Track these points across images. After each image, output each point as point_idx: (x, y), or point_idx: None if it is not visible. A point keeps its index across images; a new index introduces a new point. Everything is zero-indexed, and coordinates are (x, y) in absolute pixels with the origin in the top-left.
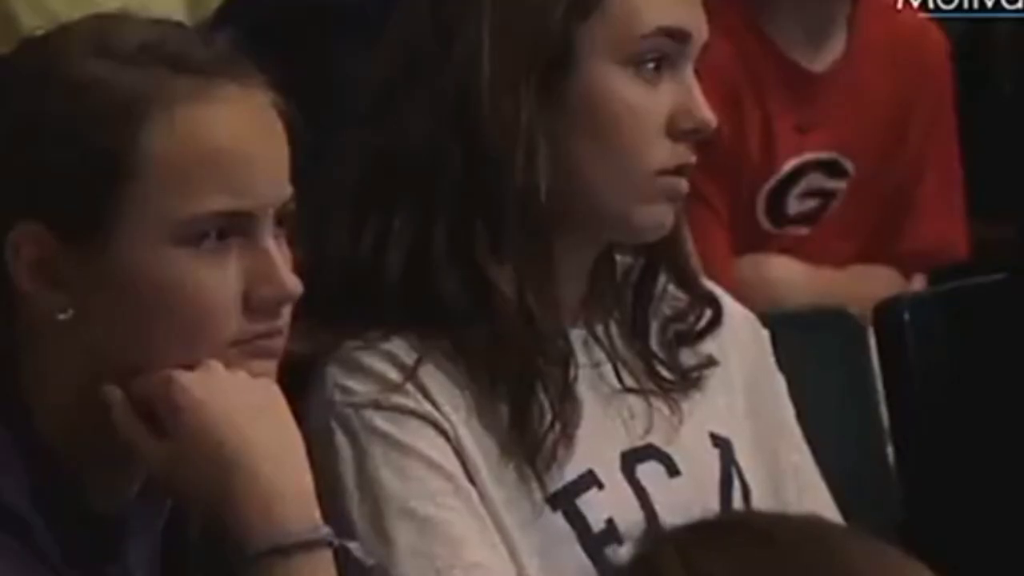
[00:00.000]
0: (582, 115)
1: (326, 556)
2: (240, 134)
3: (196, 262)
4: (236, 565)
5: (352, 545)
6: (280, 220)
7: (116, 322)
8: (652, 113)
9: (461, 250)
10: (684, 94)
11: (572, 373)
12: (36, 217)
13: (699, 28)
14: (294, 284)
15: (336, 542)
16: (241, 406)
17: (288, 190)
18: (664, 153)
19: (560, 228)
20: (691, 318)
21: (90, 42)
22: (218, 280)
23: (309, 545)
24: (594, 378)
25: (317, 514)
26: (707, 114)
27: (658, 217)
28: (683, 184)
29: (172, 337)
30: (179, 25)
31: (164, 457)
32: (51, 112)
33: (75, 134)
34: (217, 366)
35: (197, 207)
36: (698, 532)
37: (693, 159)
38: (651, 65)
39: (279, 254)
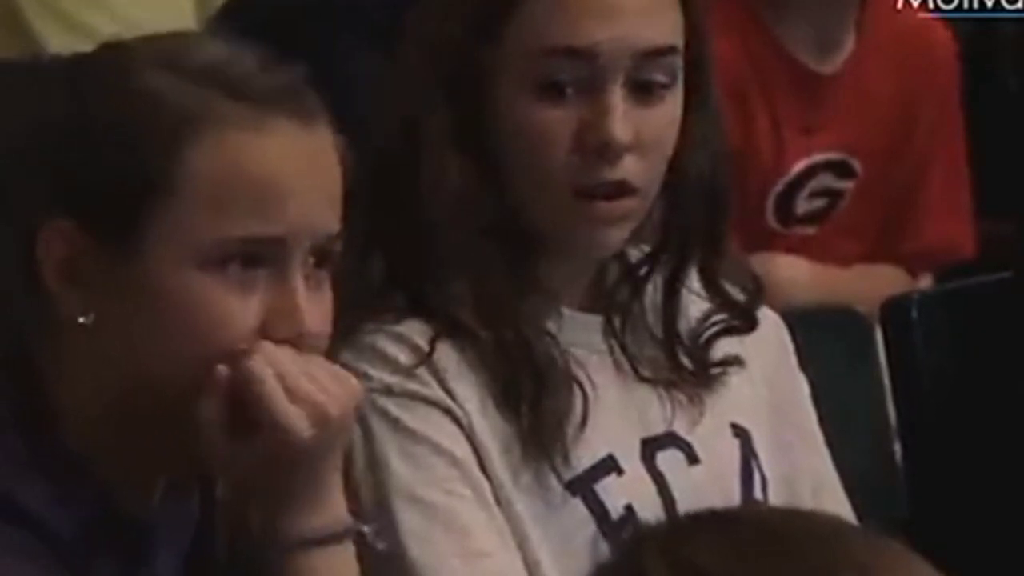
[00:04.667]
0: (497, 134)
1: (351, 546)
2: (284, 167)
3: (218, 287)
4: (274, 554)
5: (366, 529)
6: (321, 261)
7: (132, 333)
8: (558, 132)
9: (408, 263)
10: (595, 110)
11: (567, 368)
12: (71, 215)
13: (618, 40)
14: (313, 325)
15: (361, 529)
16: None
17: (332, 227)
18: (574, 172)
19: (540, 238)
20: (721, 318)
21: (158, 55)
22: (237, 310)
23: (345, 534)
24: (613, 364)
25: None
26: (615, 130)
27: (598, 239)
28: (614, 208)
29: (184, 356)
30: (253, 52)
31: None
32: (104, 115)
33: (124, 140)
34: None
35: (223, 231)
36: (682, 526)
37: (612, 176)
38: (556, 85)
39: (305, 292)
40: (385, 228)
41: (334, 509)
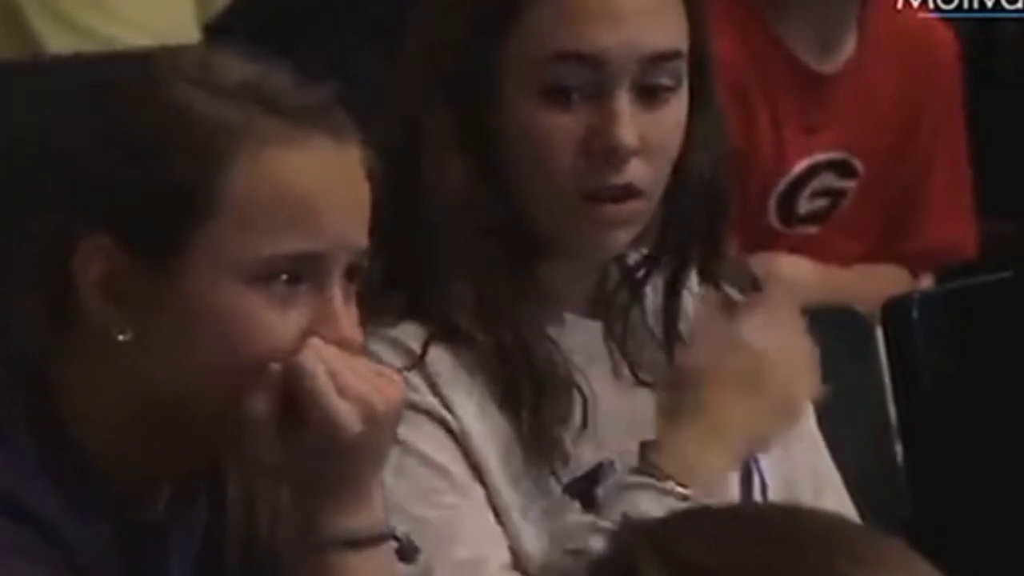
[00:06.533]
0: (500, 136)
1: (386, 551)
2: (322, 183)
3: (262, 303)
4: (308, 554)
5: (401, 535)
6: (351, 275)
7: (170, 347)
8: (564, 138)
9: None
10: (602, 116)
11: (567, 373)
12: (110, 231)
13: (625, 45)
14: (351, 332)
15: (396, 535)
16: None
17: (362, 242)
18: (580, 176)
19: (543, 240)
20: None
21: (191, 70)
22: (278, 324)
23: (382, 538)
24: (612, 370)
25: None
26: (622, 135)
27: (603, 242)
28: (621, 211)
29: (223, 370)
30: (282, 69)
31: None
32: (143, 131)
33: (163, 156)
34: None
35: (268, 248)
36: (675, 521)
37: (619, 180)
38: (562, 90)
39: (342, 303)
40: (385, 228)
41: (374, 511)
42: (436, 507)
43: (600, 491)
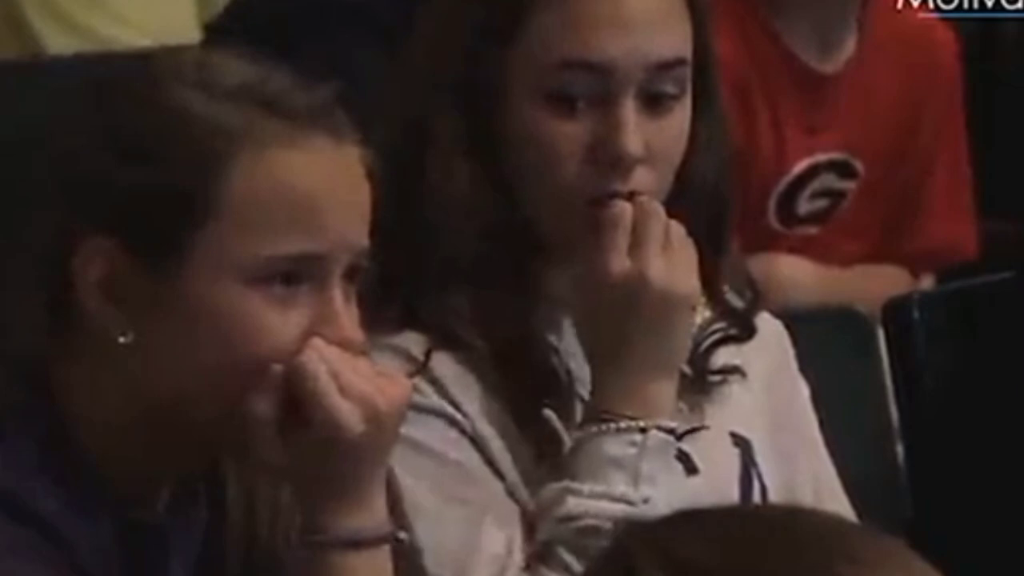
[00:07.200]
0: (507, 144)
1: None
2: (323, 183)
3: (263, 304)
4: (311, 554)
5: (403, 536)
6: (351, 276)
7: (171, 348)
8: (570, 145)
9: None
10: (608, 123)
11: (568, 378)
12: (110, 233)
13: (632, 53)
14: (353, 332)
15: (399, 536)
16: None
17: (363, 242)
18: (588, 182)
19: (547, 246)
20: (720, 327)
21: (190, 71)
22: (279, 324)
23: (385, 539)
24: None
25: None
26: (628, 144)
27: None
28: None
29: (224, 371)
30: (282, 69)
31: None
32: (143, 132)
33: (165, 159)
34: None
35: (269, 249)
36: (673, 522)
37: (625, 187)
38: (568, 97)
39: (343, 303)
40: (384, 229)
41: (376, 512)
42: (460, 505)
43: (565, 455)
